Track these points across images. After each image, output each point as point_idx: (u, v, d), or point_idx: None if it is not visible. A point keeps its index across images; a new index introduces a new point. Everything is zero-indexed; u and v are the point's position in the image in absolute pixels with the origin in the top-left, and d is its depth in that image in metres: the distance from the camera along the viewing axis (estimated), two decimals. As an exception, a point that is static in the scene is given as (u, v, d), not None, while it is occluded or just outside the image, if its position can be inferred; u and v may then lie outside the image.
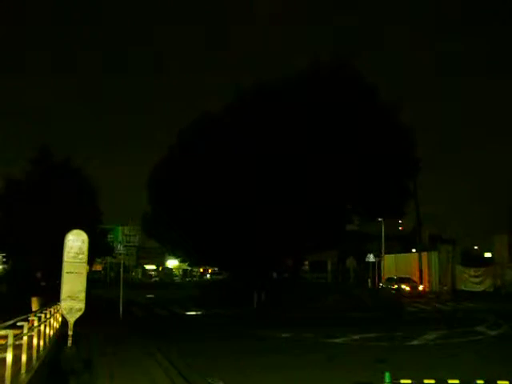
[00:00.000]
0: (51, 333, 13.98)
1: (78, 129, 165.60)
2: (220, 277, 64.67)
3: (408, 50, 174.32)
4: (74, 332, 12.66)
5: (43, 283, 20.13)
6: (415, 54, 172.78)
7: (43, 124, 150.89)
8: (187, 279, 75.76)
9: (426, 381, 6.92)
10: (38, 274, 20.46)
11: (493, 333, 18.75)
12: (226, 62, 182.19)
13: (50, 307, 13.22)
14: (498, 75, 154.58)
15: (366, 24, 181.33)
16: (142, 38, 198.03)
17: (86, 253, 13.16)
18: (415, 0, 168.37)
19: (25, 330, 9.27)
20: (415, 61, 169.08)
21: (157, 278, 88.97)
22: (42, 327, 11.79)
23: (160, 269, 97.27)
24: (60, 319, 16.94)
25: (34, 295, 19.74)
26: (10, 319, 9.59)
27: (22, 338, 9.07)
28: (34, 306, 19.18)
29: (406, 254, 54.61)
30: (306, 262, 62.23)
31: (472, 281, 44.09)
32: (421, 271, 46.09)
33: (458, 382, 7.02)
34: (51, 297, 19.17)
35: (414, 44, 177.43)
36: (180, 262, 71.05)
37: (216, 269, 71.54)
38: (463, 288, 43.74)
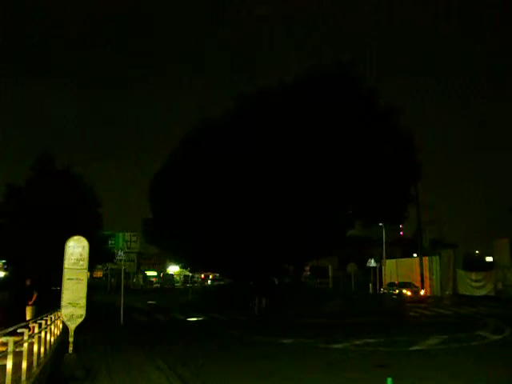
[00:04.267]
0: (52, 339, 13.95)
1: (79, 136, 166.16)
2: (221, 283, 64.60)
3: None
4: (74, 339, 12.63)
5: (34, 292, 19.96)
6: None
7: (45, 131, 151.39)
8: (188, 285, 75.52)
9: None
10: (28, 282, 20.35)
11: (495, 337, 18.69)
12: (227, 67, 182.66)
13: (43, 317, 13.15)
14: (501, 77, 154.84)
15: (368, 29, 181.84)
16: (144, 42, 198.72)
17: (86, 259, 13.14)
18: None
19: (25, 337, 9.26)
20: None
21: (158, 284, 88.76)
22: (43, 334, 11.76)
23: (161, 275, 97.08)
24: (61, 326, 16.91)
25: (28, 304, 19.72)
26: (7, 327, 9.56)
27: (22, 345, 9.06)
28: (28, 315, 19.15)
29: (408, 259, 54.52)
30: (307, 268, 62.22)
31: (473, 285, 43.99)
32: (422, 276, 45.99)
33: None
34: (45, 305, 19.07)
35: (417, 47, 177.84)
36: (181, 267, 70.92)
37: (217, 275, 71.49)
38: (465, 292, 43.64)
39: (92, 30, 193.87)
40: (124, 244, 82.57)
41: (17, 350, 8.37)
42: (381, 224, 44.57)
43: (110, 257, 41.88)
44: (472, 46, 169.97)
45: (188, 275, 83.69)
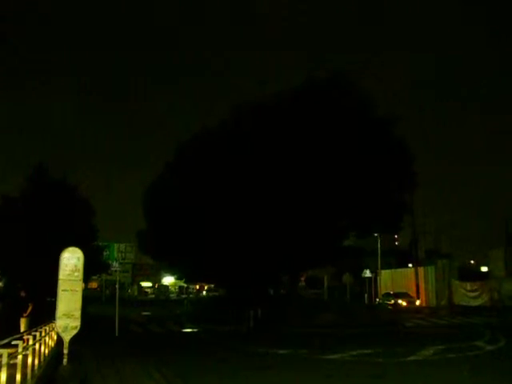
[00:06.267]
0: (46, 351, 13.85)
1: (74, 145, 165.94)
2: (216, 293, 64.45)
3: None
4: (69, 350, 12.54)
5: (29, 303, 19.89)
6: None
7: (40, 142, 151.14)
8: (183, 296, 75.34)
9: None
10: (22, 293, 20.27)
11: (491, 348, 18.66)
12: (223, 77, 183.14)
13: (38, 328, 13.06)
14: (496, 84, 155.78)
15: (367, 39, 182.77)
16: (138, 55, 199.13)
17: (81, 270, 13.07)
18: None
19: (19, 349, 9.20)
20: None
21: (153, 295, 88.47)
22: (37, 346, 11.68)
23: (156, 286, 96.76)
24: (55, 337, 16.80)
25: (23, 315, 19.61)
26: (1, 339, 9.50)
27: (16, 358, 8.99)
28: (23, 327, 19.05)
29: (403, 269, 54.53)
30: (303, 278, 62.15)
31: (469, 295, 43.99)
32: (417, 286, 46.01)
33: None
34: (38, 317, 18.94)
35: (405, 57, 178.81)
36: (176, 278, 70.78)
37: (212, 285, 71.33)
38: (460, 302, 43.61)
39: (90, 40, 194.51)
40: (119, 255, 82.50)
41: (11, 362, 8.31)
42: (376, 234, 44.61)
43: (104, 268, 41.74)
44: (471, 50, 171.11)
45: (183, 286, 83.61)
